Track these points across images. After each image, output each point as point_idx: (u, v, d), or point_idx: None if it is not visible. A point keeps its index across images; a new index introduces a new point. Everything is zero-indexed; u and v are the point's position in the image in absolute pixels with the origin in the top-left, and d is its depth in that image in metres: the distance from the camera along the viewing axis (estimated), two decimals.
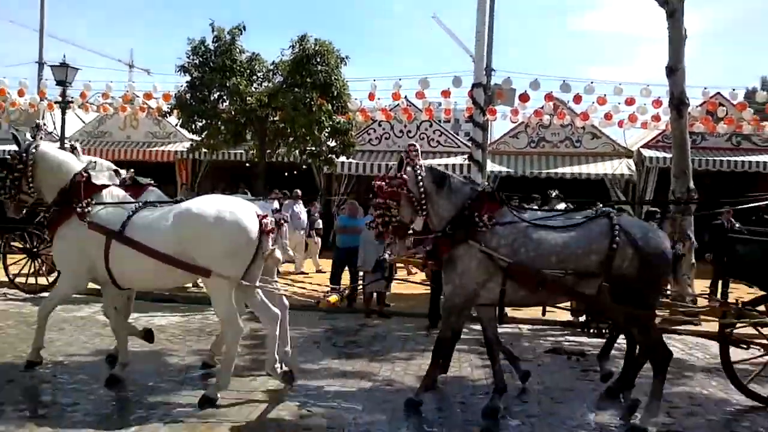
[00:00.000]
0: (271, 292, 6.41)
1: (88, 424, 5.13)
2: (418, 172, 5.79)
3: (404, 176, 5.77)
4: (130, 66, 29.88)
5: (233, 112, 13.56)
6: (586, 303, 5.90)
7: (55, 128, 19.05)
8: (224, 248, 5.59)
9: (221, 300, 5.70)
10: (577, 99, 17.35)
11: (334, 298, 6.28)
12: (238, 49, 14.22)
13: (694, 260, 11.17)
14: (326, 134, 14.28)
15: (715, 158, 19.03)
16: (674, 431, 5.54)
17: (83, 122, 22.61)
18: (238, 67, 13.80)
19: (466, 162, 17.07)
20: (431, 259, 5.97)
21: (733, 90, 18.69)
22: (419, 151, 6.21)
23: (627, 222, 5.63)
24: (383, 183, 5.78)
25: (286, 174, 20.45)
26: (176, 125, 16.64)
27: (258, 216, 5.79)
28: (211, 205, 5.75)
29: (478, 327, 9.80)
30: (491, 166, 18.39)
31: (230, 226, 5.61)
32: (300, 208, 14.52)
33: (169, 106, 14.94)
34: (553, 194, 7.51)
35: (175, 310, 10.21)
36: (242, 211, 5.74)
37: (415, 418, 5.63)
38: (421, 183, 5.75)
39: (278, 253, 5.88)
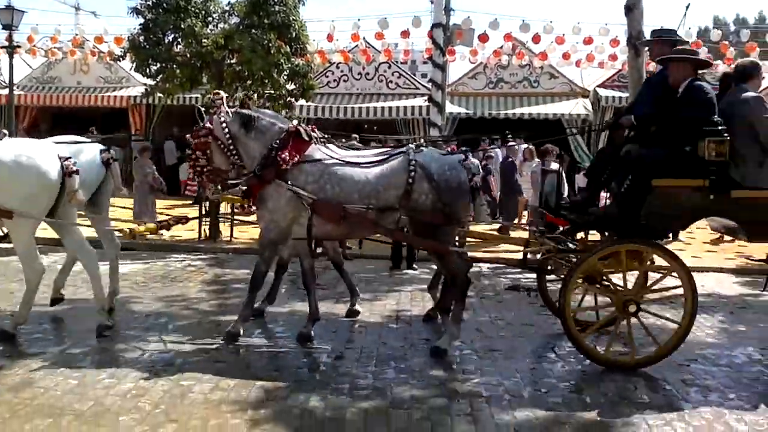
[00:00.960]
0: (104, 231, 6.82)
1: (57, 374, 5.14)
2: (222, 118, 5.99)
3: (209, 126, 5.99)
4: (76, 8, 28.75)
5: (188, 55, 13.21)
6: (389, 236, 6.26)
7: (1, 74, 18.41)
8: (23, 192, 5.74)
9: (20, 240, 5.93)
10: (536, 39, 17.41)
11: None
12: None
13: None
14: (285, 77, 14.04)
15: None
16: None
17: (31, 68, 21.84)
18: (192, 8, 13.38)
19: (426, 104, 17.07)
20: (246, 198, 6.27)
21: (689, 29, 18.90)
22: (224, 99, 6.45)
23: (425, 157, 5.88)
24: (192, 136, 6.07)
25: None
26: (130, 69, 16.19)
27: (60, 159, 5.90)
28: (9, 150, 5.80)
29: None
30: (450, 108, 18.40)
31: (28, 170, 5.73)
32: None
33: (122, 50, 14.50)
34: (353, 136, 7.59)
35: (135, 257, 10.15)
36: (41, 155, 5.84)
37: (382, 355, 5.77)
38: (226, 129, 5.96)
39: (80, 195, 6.00)
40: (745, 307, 7.96)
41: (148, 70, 13.85)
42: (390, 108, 19.44)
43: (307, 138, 5.97)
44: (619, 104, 18.52)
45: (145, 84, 15.72)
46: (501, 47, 18.38)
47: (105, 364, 5.40)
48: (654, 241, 5.68)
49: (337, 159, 5.93)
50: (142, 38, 13.56)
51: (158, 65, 13.64)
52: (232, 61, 13.81)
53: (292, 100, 15.31)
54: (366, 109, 19.57)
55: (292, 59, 13.95)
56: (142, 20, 13.55)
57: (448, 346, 5.82)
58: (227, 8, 14.17)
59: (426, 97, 17.57)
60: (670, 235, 9.55)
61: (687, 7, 14.51)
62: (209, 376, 5.16)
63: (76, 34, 18.03)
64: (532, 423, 4.45)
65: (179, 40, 13.52)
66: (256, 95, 14.45)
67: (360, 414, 4.53)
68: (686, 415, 4.58)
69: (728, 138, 5.26)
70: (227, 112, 6.09)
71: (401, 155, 5.90)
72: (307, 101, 17.06)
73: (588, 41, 17.70)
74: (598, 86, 20.14)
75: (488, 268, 10.29)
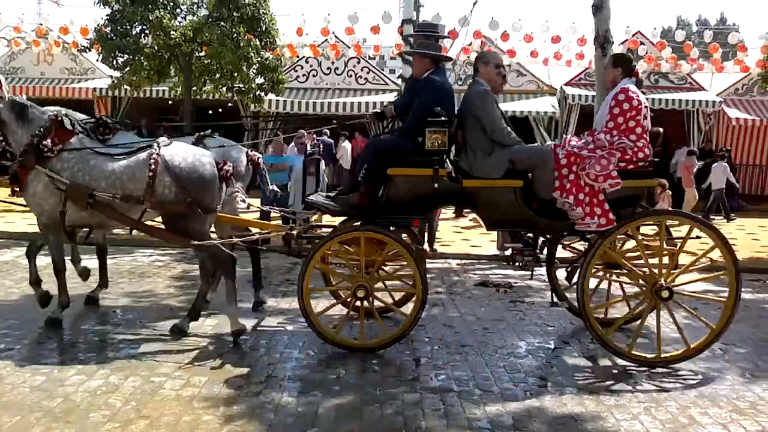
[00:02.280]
0: None
1: (25, 370, 5.07)
2: None
3: None
4: None
5: (156, 48, 13.08)
6: (134, 227, 6.39)
7: None
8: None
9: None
10: (505, 36, 17.55)
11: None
12: None
13: None
14: (254, 71, 13.97)
15: None
16: (598, 355, 5.87)
17: None
18: (161, 0, 13.26)
19: (395, 99, 17.11)
20: (13, 183, 6.31)
21: (654, 29, 19.21)
22: (2, 83, 6.65)
23: (171, 150, 6.04)
24: None
25: (210, 112, 20.00)
26: (96, 61, 15.95)
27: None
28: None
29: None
30: None
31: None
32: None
33: (88, 41, 14.28)
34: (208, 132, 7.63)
35: None
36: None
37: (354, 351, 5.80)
38: None
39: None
40: (707, 303, 8.13)
41: (114, 62, 13.70)
42: (359, 103, 19.43)
43: (70, 128, 6.16)
44: (585, 102, 18.76)
45: (112, 76, 15.53)
46: (470, 44, 18.49)
47: (74, 361, 5.34)
48: (390, 228, 5.89)
49: (92, 149, 6.08)
50: (108, 29, 13.40)
51: (125, 57, 13.50)
52: (200, 54, 13.71)
53: (262, 93, 15.26)
54: (335, 104, 19.54)
55: (262, 53, 13.91)
56: (109, 11, 13.39)
57: (239, 325, 5.99)
58: (196, 0, 14.07)
59: (395, 93, 17.60)
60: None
61: (474, 4, 15.12)
62: (180, 372, 5.13)
63: (40, 24, 17.68)
64: (503, 417, 4.50)
65: (147, 31, 13.38)
66: (225, 88, 14.37)
67: (332, 409, 4.54)
68: (652, 409, 4.69)
69: (447, 129, 5.49)
70: (2, 98, 6.28)
71: (149, 147, 6.07)
72: (276, 95, 17.02)
73: (556, 40, 17.92)
74: (565, 84, 20.37)
75: (458, 263, 10.39)
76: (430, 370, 5.39)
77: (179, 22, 13.68)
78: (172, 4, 13.51)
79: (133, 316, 6.75)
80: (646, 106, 5.62)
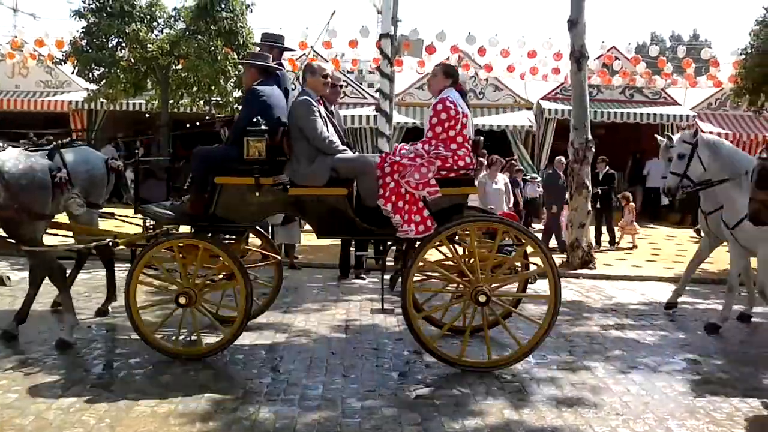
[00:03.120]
0: None
1: None
2: None
3: None
4: (14, 9, 27.89)
5: (133, 60, 13.01)
6: None
7: None
8: None
9: None
10: (482, 51, 17.68)
11: None
12: None
13: (590, 207, 11.74)
14: (232, 84, 13.93)
15: (610, 110, 19.76)
16: (576, 368, 5.88)
17: None
18: (137, 13, 13.20)
19: (374, 113, 17.13)
20: None
21: (629, 44, 19.47)
22: None
23: (3, 156, 6.02)
24: None
25: (188, 125, 19.82)
26: (71, 73, 15.81)
27: None
28: None
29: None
30: (397, 118, 18.50)
31: None
32: None
33: (64, 53, 14.16)
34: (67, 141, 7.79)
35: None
36: None
37: (332, 365, 5.76)
38: None
39: None
40: (684, 314, 8.21)
41: (90, 75, 13.58)
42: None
43: None
44: (561, 117, 18.92)
45: (88, 89, 15.39)
46: (447, 58, 18.58)
47: (47, 378, 5.24)
48: (208, 236, 5.96)
49: None
50: (84, 42, 13.30)
51: (101, 70, 13.39)
52: (177, 67, 13.64)
53: (239, 107, 15.20)
54: None
55: (240, 66, 13.87)
56: (84, 23, 13.29)
57: (70, 337, 6.02)
58: (173, 13, 14.03)
59: (373, 106, 17.63)
60: None
61: (332, 14, 15.53)
62: (156, 389, 5.06)
63: (15, 36, 17.49)
64: (482, 430, 4.49)
65: (123, 44, 13.30)
66: (202, 102, 14.30)
67: (310, 425, 4.50)
68: (630, 421, 4.70)
69: (266, 138, 5.57)
70: None
71: None
72: None
73: (532, 54, 18.07)
74: (541, 99, 20.52)
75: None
76: (408, 384, 5.37)
77: (156, 36, 13.63)
78: (149, 17, 13.45)
79: (107, 332, 6.66)
80: (465, 115, 5.73)
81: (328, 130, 5.77)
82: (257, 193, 5.63)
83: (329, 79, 6.03)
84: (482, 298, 5.58)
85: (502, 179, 11.73)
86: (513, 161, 15.97)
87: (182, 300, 5.70)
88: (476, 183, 12.46)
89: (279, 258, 7.14)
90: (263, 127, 5.57)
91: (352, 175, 5.70)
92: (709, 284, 10.21)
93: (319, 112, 5.73)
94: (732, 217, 6.96)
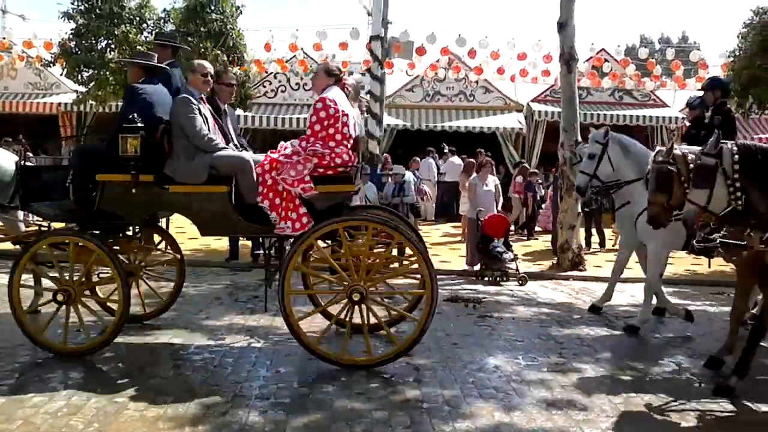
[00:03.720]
0: None
1: None
2: None
3: None
4: (3, 11, 27.72)
5: (122, 62, 12.93)
6: None
7: None
8: None
9: None
10: (472, 53, 17.70)
11: None
12: None
13: (580, 209, 11.76)
14: None
15: (600, 112, 19.84)
16: (566, 369, 5.89)
17: None
18: (127, 15, 13.13)
19: (365, 115, 17.13)
20: None
21: (618, 47, 19.54)
22: None
23: None
24: None
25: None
26: (61, 75, 15.72)
27: None
28: None
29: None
30: (388, 120, 18.51)
31: None
32: None
33: (52, 55, 14.08)
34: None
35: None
36: None
37: (321, 368, 5.74)
38: None
39: None
40: (673, 317, 8.23)
41: (79, 77, 13.50)
42: None
43: None
44: (551, 119, 18.97)
45: (77, 91, 15.31)
46: (437, 61, 18.62)
47: (34, 382, 5.21)
48: (80, 231, 6.04)
49: None
50: (73, 44, 13.22)
51: (90, 72, 13.31)
52: None
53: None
54: (304, 119, 19.48)
55: (229, 68, 13.82)
56: (73, 25, 13.22)
57: None
58: (163, 15, 13.95)
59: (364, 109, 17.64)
60: None
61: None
62: (145, 391, 5.04)
63: (3, 38, 17.38)
64: None
65: (113, 46, 13.23)
66: None
67: (300, 428, 4.49)
68: (620, 423, 4.71)
69: (140, 135, 5.63)
70: None
71: None
72: (244, 111, 16.92)
73: (522, 57, 18.10)
74: (531, 101, 20.59)
75: None
76: (398, 387, 5.36)
77: (146, 37, 13.55)
78: (138, 19, 13.38)
79: (96, 335, 6.61)
80: (346, 114, 5.80)
81: (209, 128, 5.84)
82: (135, 191, 5.66)
83: (209, 78, 6.10)
84: (356, 297, 5.62)
85: (492, 181, 11.75)
86: (524, 164, 16.17)
87: (60, 297, 5.78)
88: (467, 185, 12.57)
89: (179, 256, 7.17)
90: (139, 125, 5.64)
91: (232, 173, 5.75)
92: (698, 286, 10.26)
93: (199, 110, 5.80)
94: (635, 212, 7.25)
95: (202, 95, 6.04)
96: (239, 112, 16.55)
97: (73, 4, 13.31)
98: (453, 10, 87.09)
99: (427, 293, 5.67)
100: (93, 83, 13.48)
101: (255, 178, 5.65)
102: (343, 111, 5.73)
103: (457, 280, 10.47)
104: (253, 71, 16.77)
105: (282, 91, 20.51)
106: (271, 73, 19.48)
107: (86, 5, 13.22)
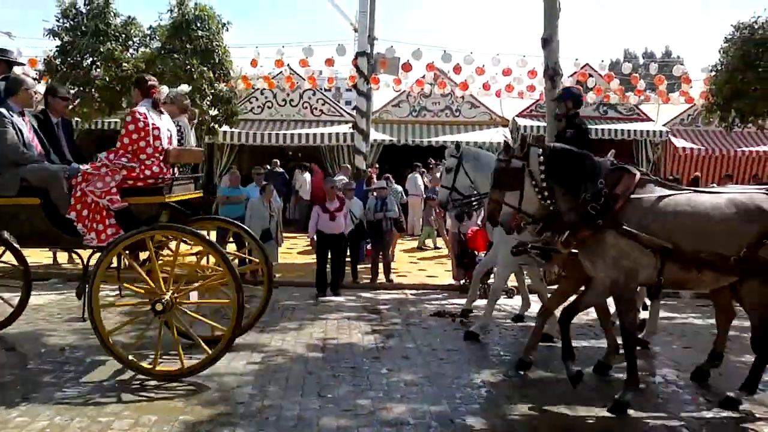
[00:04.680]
0: None
1: None
2: None
3: None
4: None
5: (108, 79, 12.90)
6: None
7: None
8: None
9: None
10: (457, 69, 17.81)
11: None
12: (112, 13, 13.50)
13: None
14: (208, 102, 13.88)
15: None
16: (554, 382, 5.89)
17: None
18: (112, 32, 13.12)
19: (350, 131, 17.19)
20: None
21: (602, 62, 19.70)
22: None
23: None
24: None
25: None
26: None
27: None
28: None
29: (366, 294, 10.03)
30: (374, 135, 18.55)
31: None
32: None
33: (37, 72, 14.03)
34: None
35: (51, 288, 9.76)
36: None
37: (308, 384, 5.72)
38: None
39: None
40: (663, 329, 8.25)
41: None
42: (314, 135, 19.42)
43: None
44: (537, 133, 19.07)
45: None
46: (423, 76, 18.72)
47: (17, 402, 5.15)
48: None
49: None
50: (59, 61, 13.19)
51: (76, 89, 13.26)
52: None
53: (216, 125, 15.15)
54: (290, 135, 19.49)
55: (215, 84, 13.84)
56: (59, 42, 13.20)
57: None
58: (149, 32, 13.95)
59: (350, 124, 17.68)
60: None
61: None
62: (129, 411, 4.99)
63: None
64: None
65: (98, 63, 13.20)
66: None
67: None
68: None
69: None
70: None
71: None
72: (230, 127, 16.92)
73: (507, 72, 18.22)
74: (516, 116, 20.68)
75: (413, 294, 10.38)
76: (386, 403, 5.34)
77: (131, 54, 13.55)
78: (124, 36, 13.37)
79: (81, 354, 6.57)
80: (156, 127, 5.89)
81: (23, 141, 5.89)
82: None
83: (34, 92, 6.34)
84: (159, 307, 5.64)
85: None
86: None
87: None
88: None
89: (24, 267, 7.19)
90: None
91: (44, 185, 5.80)
92: (685, 298, 10.30)
93: (12, 123, 5.86)
94: None
95: (23, 109, 6.15)
96: (225, 128, 16.60)
97: (58, 21, 13.30)
98: (438, 27, 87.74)
99: (233, 304, 5.71)
100: (78, 100, 13.44)
101: (66, 190, 5.71)
102: (153, 124, 5.84)
103: (443, 294, 10.47)
104: (239, 87, 16.79)
105: (269, 107, 20.49)
106: (258, 89, 19.49)
107: (72, 23, 13.21)
